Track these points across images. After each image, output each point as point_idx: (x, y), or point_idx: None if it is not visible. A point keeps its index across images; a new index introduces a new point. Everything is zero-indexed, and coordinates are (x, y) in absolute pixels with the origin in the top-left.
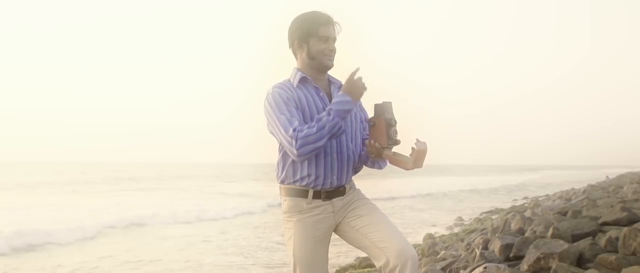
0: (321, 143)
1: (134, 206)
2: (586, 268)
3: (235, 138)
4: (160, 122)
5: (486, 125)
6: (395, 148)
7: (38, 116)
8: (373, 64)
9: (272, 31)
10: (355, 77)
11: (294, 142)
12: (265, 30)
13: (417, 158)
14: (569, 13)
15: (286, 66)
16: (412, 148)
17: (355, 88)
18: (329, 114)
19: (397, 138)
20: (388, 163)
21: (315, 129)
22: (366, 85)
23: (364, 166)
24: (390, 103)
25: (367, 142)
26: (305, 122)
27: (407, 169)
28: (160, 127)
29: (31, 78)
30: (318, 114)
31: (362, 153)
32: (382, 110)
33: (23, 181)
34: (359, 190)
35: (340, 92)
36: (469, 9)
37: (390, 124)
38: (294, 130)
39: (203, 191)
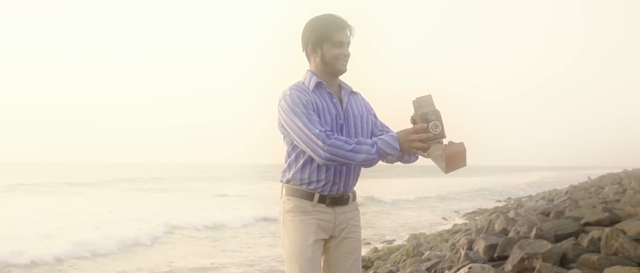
0: (347, 161)
1: (149, 210)
2: (569, 268)
3: (239, 137)
4: (161, 121)
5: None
6: (444, 141)
7: (34, 116)
8: (366, 59)
9: (282, 29)
10: (417, 136)
11: (320, 141)
12: (276, 29)
13: (448, 164)
14: (561, 13)
15: (295, 66)
16: (441, 155)
17: (409, 145)
18: (372, 146)
19: (438, 131)
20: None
21: (351, 146)
22: (423, 146)
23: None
24: (429, 96)
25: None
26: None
27: (445, 172)
28: (160, 126)
29: (24, 75)
30: (331, 120)
31: None
32: (419, 105)
33: (22, 182)
34: (358, 211)
35: (396, 135)
36: (459, 8)
37: (428, 118)
38: (321, 131)
39: (211, 194)
